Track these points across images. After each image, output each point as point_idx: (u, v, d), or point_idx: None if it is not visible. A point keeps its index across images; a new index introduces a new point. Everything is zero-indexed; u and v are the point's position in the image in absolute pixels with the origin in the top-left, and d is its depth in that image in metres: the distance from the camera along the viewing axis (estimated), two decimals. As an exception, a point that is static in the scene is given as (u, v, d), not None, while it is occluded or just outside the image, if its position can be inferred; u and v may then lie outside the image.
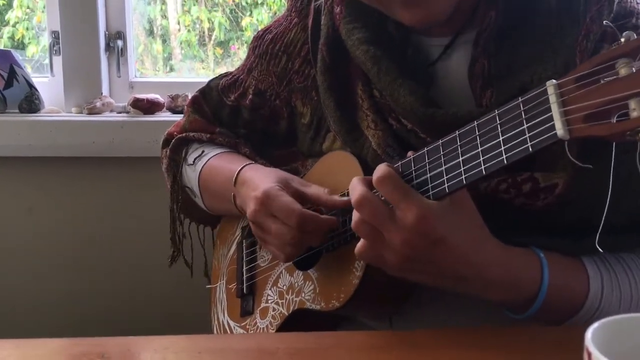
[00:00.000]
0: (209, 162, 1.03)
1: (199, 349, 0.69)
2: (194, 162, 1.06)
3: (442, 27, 0.84)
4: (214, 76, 1.12)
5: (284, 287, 0.92)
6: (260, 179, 0.88)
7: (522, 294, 0.74)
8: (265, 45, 1.00)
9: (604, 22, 0.70)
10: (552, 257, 0.75)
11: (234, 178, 0.94)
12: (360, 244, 0.71)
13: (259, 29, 1.05)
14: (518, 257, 0.74)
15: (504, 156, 0.62)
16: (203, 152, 1.06)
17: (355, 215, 0.70)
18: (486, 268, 0.71)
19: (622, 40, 0.55)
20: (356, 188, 0.70)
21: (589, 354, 0.44)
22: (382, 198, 0.69)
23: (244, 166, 0.94)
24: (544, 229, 0.78)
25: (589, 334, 0.46)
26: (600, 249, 0.67)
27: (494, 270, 0.72)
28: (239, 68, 1.07)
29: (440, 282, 0.73)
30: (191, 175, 1.07)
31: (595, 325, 0.47)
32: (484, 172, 0.64)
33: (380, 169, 0.69)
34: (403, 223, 0.67)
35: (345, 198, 0.82)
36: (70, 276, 1.62)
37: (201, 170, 1.04)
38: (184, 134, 1.08)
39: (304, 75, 0.96)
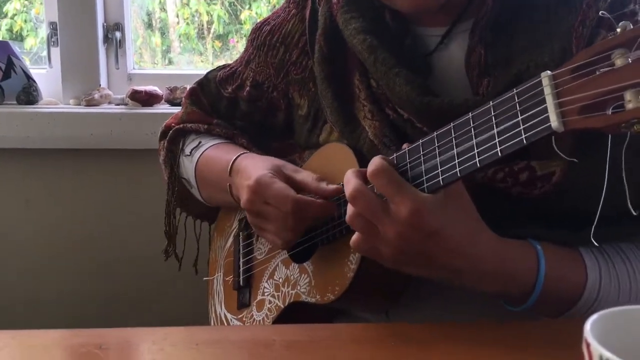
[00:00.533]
0: (206, 153, 1.03)
1: (196, 340, 0.69)
2: (191, 152, 1.06)
3: (439, 16, 0.84)
4: (212, 66, 1.12)
5: (280, 280, 0.92)
6: (253, 168, 0.88)
7: (519, 286, 0.74)
8: (263, 37, 1.00)
9: (600, 12, 0.70)
10: (549, 248, 0.75)
11: (229, 168, 0.94)
12: (355, 236, 0.71)
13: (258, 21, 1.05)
14: (514, 249, 0.74)
15: (499, 148, 0.61)
16: (200, 142, 1.06)
17: (349, 208, 0.70)
18: (481, 260, 0.71)
19: (619, 30, 0.54)
20: (350, 181, 0.70)
21: (588, 345, 0.44)
22: (377, 191, 0.70)
23: (239, 155, 0.95)
24: (541, 219, 0.78)
25: (588, 325, 0.46)
26: (595, 243, 0.67)
27: (489, 263, 0.72)
28: (237, 60, 1.08)
29: (436, 274, 0.73)
30: (188, 166, 1.07)
31: (595, 317, 0.47)
32: (478, 165, 0.63)
33: (375, 162, 0.69)
34: (397, 216, 0.67)
35: (332, 186, 0.82)
36: (68, 268, 1.62)
37: (198, 160, 1.04)
38: (181, 125, 1.09)
39: (301, 67, 0.96)
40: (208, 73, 1.10)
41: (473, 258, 0.71)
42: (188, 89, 1.11)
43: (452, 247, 0.69)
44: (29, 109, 1.56)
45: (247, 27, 1.81)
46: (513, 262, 0.73)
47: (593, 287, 0.76)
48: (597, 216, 0.66)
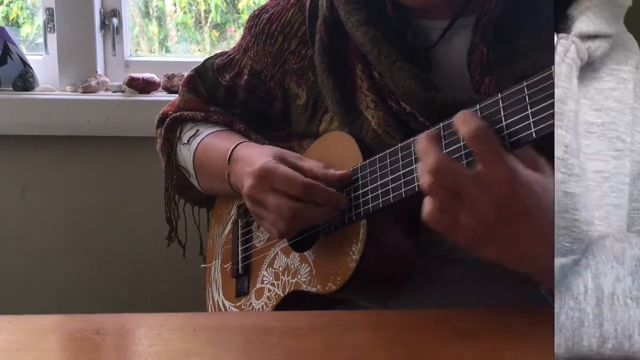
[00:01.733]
0: (203, 141, 1.03)
1: (195, 326, 0.69)
2: (188, 141, 1.05)
3: (443, 9, 0.83)
4: (209, 56, 1.11)
5: (280, 269, 0.92)
6: (256, 155, 0.87)
7: None
8: (262, 25, 0.99)
9: None
10: None
11: (227, 156, 0.93)
12: (432, 207, 0.64)
13: (256, 10, 1.04)
14: None
15: (507, 142, 0.61)
16: (197, 131, 1.05)
17: (428, 179, 0.63)
18: None
19: None
20: (430, 151, 0.63)
21: None
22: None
23: (238, 144, 0.94)
24: None
25: None
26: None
27: None
28: (234, 48, 1.07)
29: (512, 258, 0.66)
30: (186, 154, 1.07)
31: None
32: None
33: (475, 121, 0.61)
34: (493, 187, 0.61)
35: (339, 172, 0.81)
36: (64, 255, 1.61)
37: (195, 149, 1.03)
38: (178, 113, 1.08)
39: (300, 56, 0.96)
40: (206, 60, 1.10)
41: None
42: (185, 76, 1.11)
43: (541, 234, 0.63)
44: (26, 95, 1.54)
45: (245, 17, 1.80)
46: None
47: None
48: None
